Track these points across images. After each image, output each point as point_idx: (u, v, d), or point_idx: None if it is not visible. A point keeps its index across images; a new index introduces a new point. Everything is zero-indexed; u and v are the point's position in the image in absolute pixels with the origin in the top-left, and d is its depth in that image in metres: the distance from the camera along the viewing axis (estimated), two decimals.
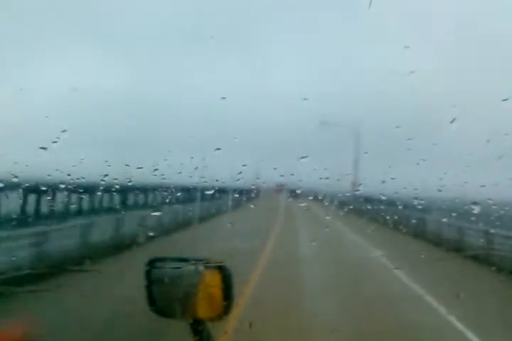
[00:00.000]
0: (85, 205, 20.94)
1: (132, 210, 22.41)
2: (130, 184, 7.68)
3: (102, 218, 17.37)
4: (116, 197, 22.23)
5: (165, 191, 12.97)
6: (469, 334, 6.74)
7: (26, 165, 6.69)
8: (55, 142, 5.82)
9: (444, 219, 15.64)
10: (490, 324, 6.85)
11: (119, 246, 11.95)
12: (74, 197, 17.14)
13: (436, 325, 7.33)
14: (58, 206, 16.48)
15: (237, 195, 23.36)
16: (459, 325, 7.06)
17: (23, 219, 15.15)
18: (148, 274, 2.03)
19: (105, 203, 22.84)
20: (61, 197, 15.48)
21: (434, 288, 9.36)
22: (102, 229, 13.64)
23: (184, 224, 19.09)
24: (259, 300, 7.91)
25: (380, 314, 7.66)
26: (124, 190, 20.05)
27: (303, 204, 22.27)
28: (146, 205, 26.05)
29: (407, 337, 6.54)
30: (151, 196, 26.64)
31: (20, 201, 15.42)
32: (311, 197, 14.96)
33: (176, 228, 17.77)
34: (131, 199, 25.08)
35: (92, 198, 21.15)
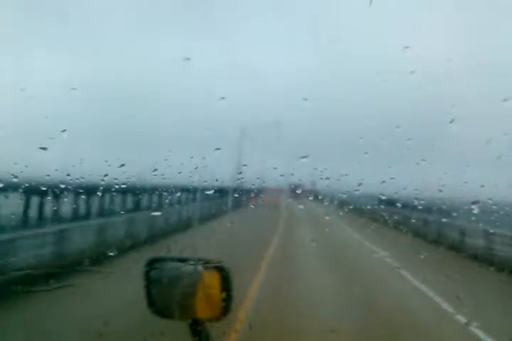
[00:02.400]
0: (83, 207, 20.80)
1: (130, 212, 22.19)
2: (130, 184, 7.62)
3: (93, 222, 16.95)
4: (116, 198, 22.09)
5: (165, 191, 12.85)
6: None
7: (26, 166, 6.66)
8: (55, 142, 5.81)
9: (444, 219, 15.59)
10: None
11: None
12: (72, 197, 17.01)
13: None
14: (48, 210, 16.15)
15: (237, 195, 23.19)
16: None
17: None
18: (147, 274, 2.01)
19: (104, 205, 22.69)
20: (57, 198, 15.26)
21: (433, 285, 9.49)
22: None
23: (184, 225, 18.82)
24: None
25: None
26: (124, 191, 19.96)
27: (302, 206, 22.19)
28: (145, 206, 25.91)
29: None
30: (150, 196, 26.50)
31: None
32: (311, 198, 14.88)
33: (176, 230, 17.54)
34: (130, 200, 24.91)
35: (91, 199, 21.02)
